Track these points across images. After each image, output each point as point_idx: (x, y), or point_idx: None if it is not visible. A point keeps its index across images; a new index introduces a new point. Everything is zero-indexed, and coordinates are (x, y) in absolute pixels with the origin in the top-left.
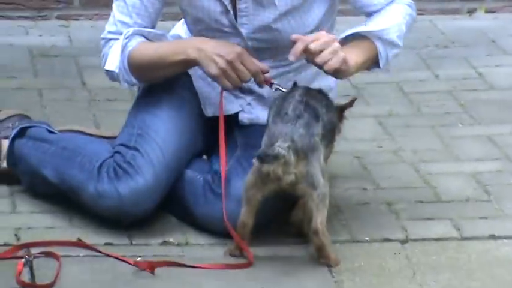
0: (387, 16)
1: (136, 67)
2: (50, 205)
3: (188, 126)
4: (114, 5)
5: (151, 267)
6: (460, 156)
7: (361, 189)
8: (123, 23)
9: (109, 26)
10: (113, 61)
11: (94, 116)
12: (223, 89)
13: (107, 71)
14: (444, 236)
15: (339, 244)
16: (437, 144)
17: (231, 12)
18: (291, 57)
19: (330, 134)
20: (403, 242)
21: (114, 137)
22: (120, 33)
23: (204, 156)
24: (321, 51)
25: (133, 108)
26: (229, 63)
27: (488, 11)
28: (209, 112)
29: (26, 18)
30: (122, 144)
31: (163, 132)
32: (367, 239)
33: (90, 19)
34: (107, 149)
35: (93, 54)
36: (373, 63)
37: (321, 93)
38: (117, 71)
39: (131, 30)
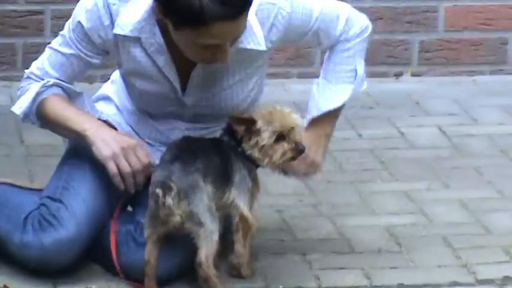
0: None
1: (43, 116)
2: None
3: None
4: (46, 51)
5: None
6: (376, 210)
7: (279, 240)
8: (47, 73)
9: (35, 68)
10: (21, 105)
11: (29, 171)
12: (116, 183)
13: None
14: (355, 284)
15: None
16: (355, 199)
17: (180, 92)
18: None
19: (224, 179)
20: None
21: (42, 190)
22: (42, 80)
23: (129, 207)
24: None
25: (61, 160)
26: (123, 149)
27: (414, 75)
28: None
29: None
30: (48, 197)
31: (87, 185)
32: (281, 287)
33: None
34: (34, 200)
35: None
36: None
37: (212, 141)
38: (21, 116)
39: (52, 80)
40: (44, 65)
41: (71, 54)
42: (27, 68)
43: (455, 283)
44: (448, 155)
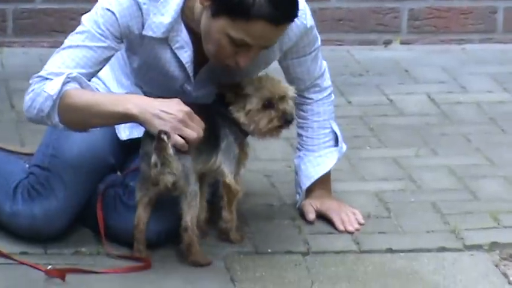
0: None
1: (68, 107)
2: None
3: (101, 147)
4: (62, 52)
5: (59, 274)
6: (365, 176)
7: (268, 205)
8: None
9: (55, 68)
10: (53, 87)
11: (20, 135)
12: (176, 147)
13: (29, 108)
14: (344, 249)
15: (243, 255)
16: (344, 165)
17: (191, 85)
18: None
19: (210, 144)
20: (304, 254)
21: (33, 154)
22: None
23: (118, 173)
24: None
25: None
26: (181, 121)
27: (403, 43)
28: (123, 136)
29: None
30: (36, 165)
31: (76, 152)
32: (269, 250)
33: (23, 46)
34: (24, 169)
35: (23, 79)
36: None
37: (202, 106)
38: (54, 97)
39: (74, 73)
40: (67, 63)
41: (101, 46)
42: (17, 35)
43: (443, 248)
44: (437, 122)
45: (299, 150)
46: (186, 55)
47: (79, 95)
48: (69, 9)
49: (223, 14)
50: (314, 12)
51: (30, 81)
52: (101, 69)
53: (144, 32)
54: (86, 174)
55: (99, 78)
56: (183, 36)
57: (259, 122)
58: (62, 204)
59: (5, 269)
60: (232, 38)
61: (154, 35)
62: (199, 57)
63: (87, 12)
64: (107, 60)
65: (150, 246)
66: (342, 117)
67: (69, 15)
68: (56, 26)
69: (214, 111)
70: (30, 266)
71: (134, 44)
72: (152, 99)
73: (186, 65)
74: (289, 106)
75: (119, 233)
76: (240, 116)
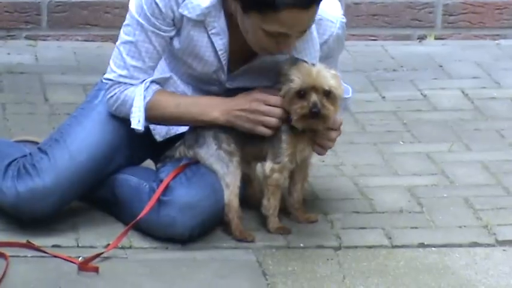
0: None
1: (153, 118)
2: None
3: (111, 141)
4: (121, 48)
5: (93, 267)
6: (398, 171)
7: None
8: (135, 67)
9: (119, 70)
10: (139, 119)
11: (53, 128)
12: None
13: (114, 111)
14: (375, 244)
15: (275, 249)
16: (377, 160)
17: (225, 76)
18: None
19: None
20: (336, 249)
21: None
22: (132, 78)
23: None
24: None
25: (71, 114)
26: (253, 112)
27: (437, 38)
28: (158, 138)
29: None
30: (38, 147)
31: (79, 141)
32: (302, 245)
33: (57, 39)
34: (23, 151)
35: (57, 72)
36: None
37: None
38: (142, 130)
39: (148, 82)
40: (128, 62)
41: (150, 34)
42: (52, 28)
43: (476, 244)
44: (470, 117)
45: None
46: (220, 42)
47: (162, 108)
48: (103, 3)
49: (251, 10)
50: (348, 7)
51: (105, 80)
52: (163, 53)
53: (180, 10)
54: (86, 164)
55: None
56: (220, 23)
57: (290, 110)
58: (47, 187)
59: (37, 262)
60: (268, 32)
61: (189, 15)
62: (235, 46)
63: (121, 5)
64: (163, 47)
65: (183, 241)
66: (376, 112)
67: (103, 9)
68: (90, 20)
69: None
70: (63, 258)
71: (178, 25)
72: (227, 98)
73: (220, 53)
74: (318, 98)
75: (152, 227)
76: (284, 102)
